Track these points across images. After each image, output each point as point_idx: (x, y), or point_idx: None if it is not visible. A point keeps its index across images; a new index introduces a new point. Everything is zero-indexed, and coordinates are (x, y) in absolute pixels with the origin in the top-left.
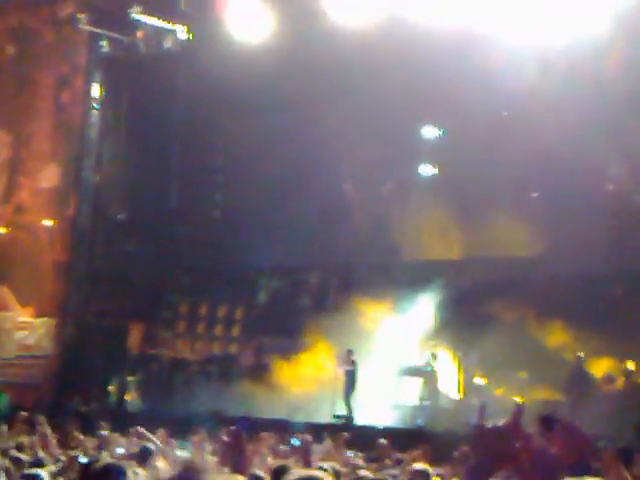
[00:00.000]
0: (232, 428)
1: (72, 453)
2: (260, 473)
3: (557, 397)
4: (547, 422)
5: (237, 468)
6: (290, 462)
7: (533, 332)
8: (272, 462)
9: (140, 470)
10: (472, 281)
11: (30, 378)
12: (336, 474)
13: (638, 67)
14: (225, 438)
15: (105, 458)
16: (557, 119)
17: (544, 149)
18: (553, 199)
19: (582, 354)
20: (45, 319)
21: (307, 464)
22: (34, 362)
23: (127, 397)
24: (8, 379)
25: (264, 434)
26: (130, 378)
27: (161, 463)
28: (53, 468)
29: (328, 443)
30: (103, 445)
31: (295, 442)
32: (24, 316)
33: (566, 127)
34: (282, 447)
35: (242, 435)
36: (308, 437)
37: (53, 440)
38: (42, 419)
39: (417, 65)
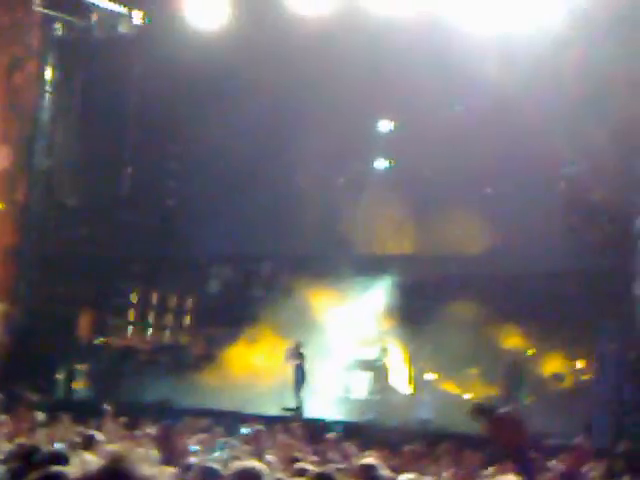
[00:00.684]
0: (161, 423)
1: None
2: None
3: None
4: (482, 412)
5: (167, 460)
6: (241, 451)
7: (485, 328)
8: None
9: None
10: (424, 276)
11: None
12: (279, 466)
13: (598, 63)
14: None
15: (46, 446)
16: (515, 114)
17: (500, 144)
18: (508, 195)
19: (527, 351)
20: None
21: (258, 453)
22: None
23: (75, 385)
24: None
25: (189, 420)
26: (79, 366)
27: (89, 455)
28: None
29: (281, 435)
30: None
31: (244, 431)
32: None
33: (524, 122)
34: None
35: (170, 429)
36: (259, 426)
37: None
38: None
39: (373, 56)
